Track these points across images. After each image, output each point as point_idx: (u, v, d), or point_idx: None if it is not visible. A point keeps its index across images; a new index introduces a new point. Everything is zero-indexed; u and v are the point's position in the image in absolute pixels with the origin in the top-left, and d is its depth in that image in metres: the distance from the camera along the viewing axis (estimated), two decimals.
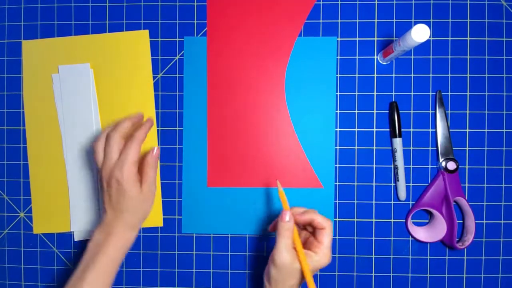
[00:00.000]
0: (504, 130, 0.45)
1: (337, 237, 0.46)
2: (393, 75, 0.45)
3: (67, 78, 0.46)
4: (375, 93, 0.46)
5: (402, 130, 0.45)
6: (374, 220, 0.46)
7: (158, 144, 0.47)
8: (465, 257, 0.45)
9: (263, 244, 0.46)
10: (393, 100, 0.45)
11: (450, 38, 0.45)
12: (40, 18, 0.47)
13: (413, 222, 0.46)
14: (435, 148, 0.45)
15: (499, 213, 0.45)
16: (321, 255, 0.35)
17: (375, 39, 0.45)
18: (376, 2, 0.45)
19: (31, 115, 0.47)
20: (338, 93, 0.46)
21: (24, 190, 0.47)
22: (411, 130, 0.45)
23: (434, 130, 0.45)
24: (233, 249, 0.46)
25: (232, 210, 0.46)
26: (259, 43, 0.46)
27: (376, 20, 0.46)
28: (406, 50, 0.39)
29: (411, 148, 0.45)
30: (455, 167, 0.44)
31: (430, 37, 0.45)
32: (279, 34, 0.46)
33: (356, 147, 0.46)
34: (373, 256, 0.46)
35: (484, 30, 0.45)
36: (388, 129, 0.46)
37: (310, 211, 0.37)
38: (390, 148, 0.45)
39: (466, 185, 0.45)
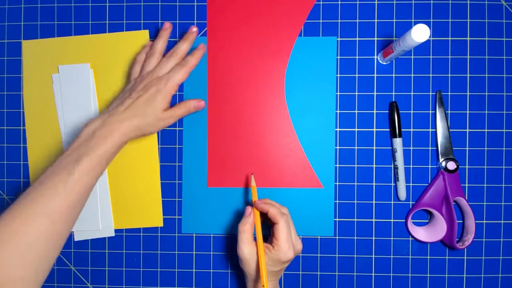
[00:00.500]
0: (504, 130, 0.45)
1: (337, 237, 0.46)
2: (393, 75, 0.45)
3: (67, 78, 0.46)
4: (375, 93, 0.46)
5: (402, 130, 0.45)
6: (374, 220, 0.46)
7: (159, 145, 0.47)
8: (465, 257, 0.45)
9: None
10: (393, 100, 0.45)
11: (450, 38, 0.45)
12: (40, 18, 0.47)
13: (413, 222, 0.46)
14: (435, 148, 0.45)
15: (499, 213, 0.45)
16: (278, 249, 0.36)
17: (375, 39, 0.45)
18: (376, 2, 0.45)
19: (31, 115, 0.47)
20: (338, 93, 0.46)
21: (24, 190, 0.47)
22: (411, 130, 0.45)
23: (434, 130, 0.45)
24: (232, 249, 0.46)
25: (232, 210, 0.46)
26: (259, 43, 0.46)
27: (376, 20, 0.46)
28: (406, 50, 0.39)
29: (411, 148, 0.45)
30: (455, 167, 0.44)
31: (430, 37, 0.45)
32: (279, 34, 0.46)
33: (356, 147, 0.46)
34: (373, 256, 0.46)
35: (484, 30, 0.45)
36: (388, 129, 0.46)
37: (270, 203, 0.40)
38: (390, 148, 0.45)
39: (466, 185, 0.45)
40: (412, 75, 0.45)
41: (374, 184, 0.46)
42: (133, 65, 0.43)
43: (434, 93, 0.45)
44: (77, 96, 0.46)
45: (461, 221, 0.45)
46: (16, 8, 0.47)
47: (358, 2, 0.46)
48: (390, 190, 0.46)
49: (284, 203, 0.46)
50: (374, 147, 0.46)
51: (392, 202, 0.46)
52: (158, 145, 0.47)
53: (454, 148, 0.45)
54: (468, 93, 0.45)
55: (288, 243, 0.37)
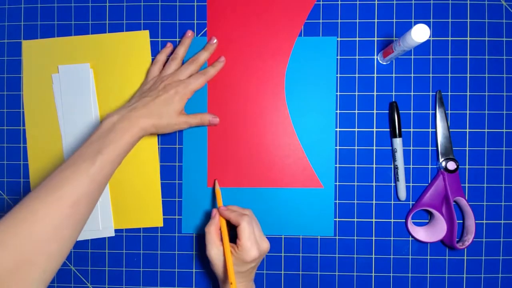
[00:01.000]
0: (504, 130, 0.45)
1: (337, 237, 0.46)
2: (393, 75, 0.45)
3: (67, 78, 0.46)
4: (375, 93, 0.46)
5: (402, 130, 0.45)
6: (374, 220, 0.46)
7: (159, 145, 0.47)
8: (465, 257, 0.45)
9: None
10: (393, 100, 0.45)
11: (450, 38, 0.45)
12: (40, 18, 0.47)
13: (413, 222, 0.46)
14: (435, 148, 0.45)
15: (499, 213, 0.45)
16: (241, 248, 0.38)
17: (375, 39, 0.45)
18: (376, 2, 0.45)
19: (31, 115, 0.47)
20: (338, 93, 0.46)
21: (24, 190, 0.47)
22: (411, 130, 0.45)
23: (434, 130, 0.45)
24: None
25: None
26: (259, 43, 0.46)
27: (376, 20, 0.46)
28: (406, 50, 0.39)
29: (411, 148, 0.45)
30: (455, 167, 0.44)
31: (430, 37, 0.45)
32: (279, 34, 0.46)
33: (356, 147, 0.46)
34: (373, 256, 0.46)
35: (484, 30, 0.45)
36: (388, 129, 0.46)
37: (231, 210, 0.41)
38: (390, 148, 0.45)
39: (466, 185, 0.45)
40: (412, 75, 0.45)
41: (374, 184, 0.46)
42: (153, 65, 0.45)
43: (434, 93, 0.45)
44: (77, 96, 0.46)
45: (461, 221, 0.45)
46: (16, 8, 0.47)
47: (358, 2, 0.46)
48: (390, 190, 0.46)
49: (284, 203, 0.46)
50: (374, 147, 0.46)
51: (392, 202, 0.46)
52: (158, 145, 0.47)
53: (454, 148, 0.45)
54: (468, 93, 0.45)
55: (250, 242, 0.38)
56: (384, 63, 0.45)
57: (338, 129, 0.46)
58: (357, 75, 0.46)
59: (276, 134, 0.46)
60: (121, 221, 0.47)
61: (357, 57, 0.46)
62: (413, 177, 0.45)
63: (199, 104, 0.46)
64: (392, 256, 0.46)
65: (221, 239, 0.40)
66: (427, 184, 0.45)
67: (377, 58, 0.46)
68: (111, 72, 0.47)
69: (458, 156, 0.45)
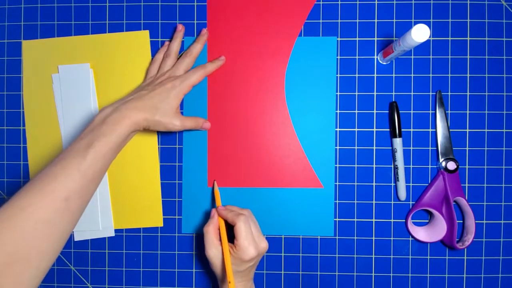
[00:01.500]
0: (504, 130, 0.45)
1: (337, 237, 0.46)
2: (393, 75, 0.45)
3: (67, 78, 0.46)
4: (375, 93, 0.46)
5: (402, 130, 0.45)
6: (374, 220, 0.46)
7: (159, 145, 0.47)
8: (465, 257, 0.45)
9: None
10: (393, 100, 0.45)
11: (450, 38, 0.45)
12: (40, 18, 0.47)
13: (413, 222, 0.46)
14: (435, 148, 0.45)
15: (499, 213, 0.45)
16: (239, 248, 0.38)
17: (375, 39, 0.45)
18: (376, 2, 0.45)
19: (31, 115, 0.47)
20: (338, 93, 0.46)
21: None
22: (411, 130, 0.45)
23: (434, 130, 0.45)
24: None
25: None
26: (259, 43, 0.46)
27: (376, 20, 0.46)
28: (406, 50, 0.39)
29: (411, 148, 0.45)
30: (455, 167, 0.44)
31: (430, 37, 0.45)
32: (279, 34, 0.46)
33: (356, 147, 0.46)
34: (373, 256, 0.46)
35: (484, 30, 0.45)
36: (388, 129, 0.46)
37: (229, 209, 0.41)
38: (390, 148, 0.45)
39: (466, 185, 0.45)
40: (412, 75, 0.45)
41: (374, 184, 0.46)
42: (151, 64, 0.45)
43: (434, 93, 0.45)
44: (77, 96, 0.46)
45: (461, 221, 0.45)
46: (16, 8, 0.47)
47: (358, 2, 0.46)
48: (390, 190, 0.46)
49: (284, 203, 0.46)
50: (374, 147, 0.46)
51: (392, 202, 0.46)
52: (158, 145, 0.47)
53: (454, 148, 0.45)
54: (468, 93, 0.45)
55: (247, 241, 0.37)
56: (384, 63, 0.45)
57: (338, 129, 0.46)
58: (357, 75, 0.46)
59: (276, 134, 0.46)
60: (121, 221, 0.47)
61: (357, 57, 0.46)
62: (413, 177, 0.45)
63: (199, 104, 0.46)
64: (392, 256, 0.46)
65: (220, 239, 0.40)
66: (427, 184, 0.45)
67: (377, 58, 0.46)
68: (111, 72, 0.47)
69: (458, 156, 0.45)
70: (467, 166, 0.45)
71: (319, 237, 0.46)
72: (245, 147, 0.46)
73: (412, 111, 0.45)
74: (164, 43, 0.46)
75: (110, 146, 0.35)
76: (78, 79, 0.46)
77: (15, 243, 0.29)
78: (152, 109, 0.38)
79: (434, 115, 0.45)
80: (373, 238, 0.46)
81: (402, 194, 0.45)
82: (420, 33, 0.34)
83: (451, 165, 0.44)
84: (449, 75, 0.45)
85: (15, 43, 0.47)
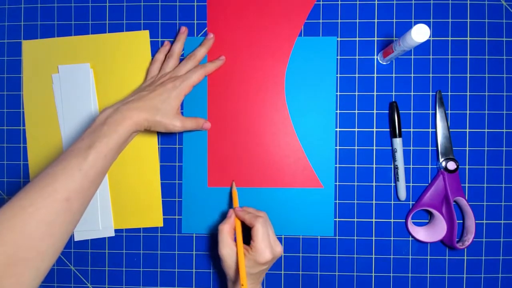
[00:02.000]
0: (504, 130, 0.45)
1: (337, 237, 0.46)
2: (393, 75, 0.45)
3: (67, 78, 0.46)
4: (375, 93, 0.46)
5: (402, 130, 0.45)
6: (374, 220, 0.46)
7: (159, 145, 0.47)
8: (465, 257, 0.45)
9: None
10: (393, 100, 0.45)
11: (450, 38, 0.45)
12: (40, 18, 0.47)
13: (413, 222, 0.46)
14: (435, 148, 0.45)
15: (499, 213, 0.45)
16: (255, 250, 0.37)
17: (375, 39, 0.45)
18: (376, 2, 0.45)
19: (31, 115, 0.47)
20: (338, 93, 0.46)
21: None
22: (411, 130, 0.45)
23: (434, 130, 0.45)
24: None
25: None
26: (259, 43, 0.46)
27: (376, 20, 0.46)
28: (406, 50, 0.39)
29: (411, 148, 0.45)
30: (455, 167, 0.44)
31: (430, 37, 0.45)
32: (279, 34, 0.46)
33: (356, 147, 0.46)
34: (373, 256, 0.46)
35: (484, 30, 0.45)
36: (388, 129, 0.46)
37: (246, 211, 0.41)
38: (390, 148, 0.45)
39: (466, 185, 0.45)
40: (412, 75, 0.45)
41: (374, 184, 0.46)
42: (151, 64, 0.45)
43: (434, 93, 0.45)
44: (77, 96, 0.46)
45: (461, 221, 0.45)
46: (16, 8, 0.47)
47: (358, 2, 0.46)
48: (390, 190, 0.46)
49: (284, 203, 0.46)
50: (374, 147, 0.46)
51: (392, 202, 0.46)
52: (158, 145, 0.47)
53: (454, 148, 0.45)
54: (468, 93, 0.45)
55: (264, 244, 0.37)
56: (384, 63, 0.45)
57: (338, 129, 0.46)
58: (357, 75, 0.46)
59: (276, 134, 0.46)
60: (121, 221, 0.47)
61: (357, 57, 0.46)
62: (413, 177, 0.45)
63: (199, 104, 0.46)
64: (392, 256, 0.46)
65: (235, 240, 0.40)
66: (427, 184, 0.45)
67: (377, 58, 0.46)
68: (111, 72, 0.47)
69: (458, 156, 0.45)
70: (467, 166, 0.45)
71: (319, 237, 0.46)
72: (245, 147, 0.46)
73: (412, 111, 0.45)
74: (164, 43, 0.46)
75: (111, 147, 0.35)
76: (78, 79, 0.46)
77: (15, 243, 0.29)
78: (153, 110, 0.38)
79: (434, 115, 0.45)
80: (373, 238, 0.46)
81: (402, 194, 0.45)
82: (420, 33, 0.34)
83: (451, 165, 0.44)
84: (449, 75, 0.45)
85: (15, 43, 0.47)
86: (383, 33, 0.45)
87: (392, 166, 0.45)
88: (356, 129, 0.46)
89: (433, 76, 0.45)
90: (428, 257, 0.46)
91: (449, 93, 0.45)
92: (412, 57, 0.45)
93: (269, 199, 0.46)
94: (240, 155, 0.46)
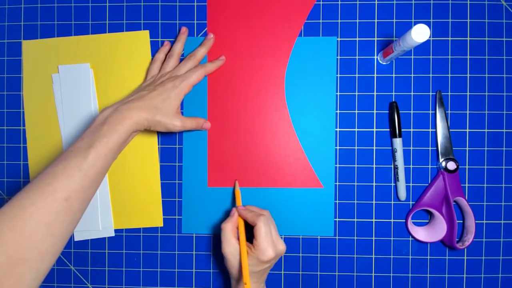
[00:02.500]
0: (504, 130, 0.45)
1: (337, 237, 0.46)
2: (393, 75, 0.45)
3: (67, 78, 0.46)
4: (375, 93, 0.46)
5: (402, 130, 0.45)
6: (374, 220, 0.46)
7: (159, 145, 0.47)
8: (465, 257, 0.45)
9: None
10: (393, 100, 0.45)
11: (450, 38, 0.45)
12: (40, 18, 0.47)
13: (413, 222, 0.46)
14: (435, 148, 0.45)
15: (499, 213, 0.45)
16: (257, 248, 0.37)
17: (375, 39, 0.45)
18: (376, 2, 0.45)
19: (31, 115, 0.47)
20: (338, 93, 0.46)
21: None
22: (411, 130, 0.45)
23: (434, 130, 0.45)
24: None
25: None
26: (259, 43, 0.46)
27: (376, 20, 0.46)
28: (406, 50, 0.39)
29: (411, 148, 0.45)
30: (455, 167, 0.44)
31: (430, 37, 0.45)
32: (279, 34, 0.46)
33: (356, 147, 0.46)
34: (373, 256, 0.46)
35: (484, 30, 0.45)
36: (388, 129, 0.46)
37: (248, 210, 0.41)
38: (390, 148, 0.45)
39: (466, 185, 0.45)
40: (412, 75, 0.45)
41: (374, 184, 0.46)
42: (151, 64, 0.45)
43: (434, 93, 0.45)
44: (77, 96, 0.46)
45: (461, 221, 0.45)
46: (16, 8, 0.47)
47: (358, 2, 0.46)
48: (390, 190, 0.46)
49: (284, 203, 0.46)
50: (374, 147, 0.46)
51: (392, 202, 0.46)
52: (158, 145, 0.47)
53: (454, 148, 0.45)
54: (468, 93, 0.45)
55: (266, 242, 0.37)
56: (384, 63, 0.45)
57: (338, 129, 0.46)
58: (357, 75, 0.46)
59: (276, 134, 0.46)
60: (121, 221, 0.47)
61: (357, 57, 0.46)
62: (413, 177, 0.45)
63: (199, 104, 0.46)
64: (392, 256, 0.46)
65: (237, 238, 0.39)
66: (427, 184, 0.45)
67: (377, 58, 0.46)
68: (111, 72, 0.47)
69: (458, 156, 0.45)
70: (467, 166, 0.45)
71: (319, 237, 0.46)
72: (245, 147, 0.46)
73: (412, 111, 0.45)
74: (164, 42, 0.46)
75: (111, 146, 0.35)
76: (78, 79, 0.46)
77: (16, 244, 0.29)
78: (153, 109, 0.38)
79: (434, 115, 0.45)
80: (373, 238, 0.46)
81: (402, 194, 0.45)
82: (420, 33, 0.34)
83: (451, 165, 0.44)
84: (449, 75, 0.45)
85: (15, 43, 0.47)
86: (383, 33, 0.45)
87: (392, 166, 0.45)
88: (356, 129, 0.46)
89: (433, 76, 0.45)
90: (428, 257, 0.46)
91: (449, 93, 0.45)
92: (412, 57, 0.45)
93: (269, 199, 0.46)
94: (240, 155, 0.46)
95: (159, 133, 0.47)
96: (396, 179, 0.45)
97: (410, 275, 0.46)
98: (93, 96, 0.46)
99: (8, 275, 0.28)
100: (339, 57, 0.46)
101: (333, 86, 0.46)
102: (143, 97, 0.39)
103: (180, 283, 0.47)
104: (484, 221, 0.45)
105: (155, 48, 0.46)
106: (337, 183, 0.46)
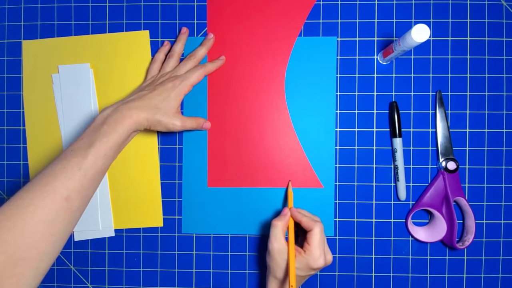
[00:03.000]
0: (504, 130, 0.45)
1: (337, 237, 0.46)
2: (393, 75, 0.45)
3: (67, 78, 0.46)
4: (375, 93, 0.46)
5: (402, 130, 0.45)
6: (374, 220, 0.46)
7: (159, 145, 0.47)
8: (465, 257, 0.45)
9: (263, 244, 0.46)
10: (393, 100, 0.45)
11: (450, 38, 0.45)
12: (40, 18, 0.47)
13: (413, 222, 0.46)
14: (435, 148, 0.45)
15: (499, 213, 0.45)
16: (309, 254, 0.36)
17: (375, 39, 0.45)
18: (376, 2, 0.45)
19: (31, 115, 0.47)
20: (338, 93, 0.46)
21: None
22: (411, 130, 0.45)
23: (434, 130, 0.45)
24: (233, 249, 0.46)
25: (232, 210, 0.46)
26: (259, 43, 0.46)
27: (376, 20, 0.46)
28: (406, 50, 0.39)
29: (411, 148, 0.45)
30: (455, 167, 0.44)
31: (430, 37, 0.45)
32: (279, 34, 0.46)
33: (356, 147, 0.46)
34: (373, 256, 0.46)
35: (484, 30, 0.45)
36: (388, 129, 0.46)
37: (303, 213, 0.40)
38: (390, 148, 0.45)
39: (466, 185, 0.45)
40: (412, 75, 0.45)
41: (374, 184, 0.46)
42: (151, 64, 0.45)
43: (434, 93, 0.45)
44: (77, 96, 0.46)
45: (461, 221, 0.45)
46: (16, 8, 0.47)
47: (358, 2, 0.46)
48: (390, 190, 0.46)
49: (284, 203, 0.46)
50: (374, 147, 0.46)
51: (392, 202, 0.46)
52: (158, 145, 0.47)
53: (454, 148, 0.45)
54: (468, 93, 0.45)
55: (320, 250, 0.36)
56: (384, 63, 0.45)
57: (338, 129, 0.46)
58: (357, 75, 0.46)
59: (276, 134, 0.46)
60: (121, 221, 0.47)
61: (357, 57, 0.46)
62: (413, 177, 0.45)
63: (199, 104, 0.46)
64: (392, 256, 0.46)
65: (286, 239, 0.39)
66: (427, 184, 0.45)
67: (377, 58, 0.46)
68: (111, 72, 0.47)
69: (458, 156, 0.45)
70: (467, 166, 0.45)
71: None
72: (245, 147, 0.46)
73: (412, 111, 0.45)
74: (164, 42, 0.46)
75: (111, 146, 0.35)
76: (78, 79, 0.46)
77: (15, 243, 0.29)
78: (153, 109, 0.38)
79: (434, 115, 0.45)
80: (373, 238, 0.46)
81: (402, 194, 0.45)
82: (420, 33, 0.34)
83: (451, 165, 0.44)
84: (449, 75, 0.45)
85: (15, 43, 0.47)
86: (383, 33, 0.45)
87: (392, 166, 0.45)
88: (356, 129, 0.46)
89: (433, 76, 0.45)
90: (428, 257, 0.46)
91: (449, 93, 0.45)
92: (412, 57, 0.45)
93: (269, 199, 0.46)
94: (240, 155, 0.46)
95: (159, 133, 0.47)
96: (396, 179, 0.45)
97: (410, 275, 0.46)
98: (93, 96, 0.46)
99: (8, 274, 0.28)
100: (339, 57, 0.46)
101: (333, 86, 0.46)
102: (143, 97, 0.39)
103: (180, 283, 0.47)
104: (484, 221, 0.45)
105: (155, 48, 0.46)
106: (337, 183, 0.46)
